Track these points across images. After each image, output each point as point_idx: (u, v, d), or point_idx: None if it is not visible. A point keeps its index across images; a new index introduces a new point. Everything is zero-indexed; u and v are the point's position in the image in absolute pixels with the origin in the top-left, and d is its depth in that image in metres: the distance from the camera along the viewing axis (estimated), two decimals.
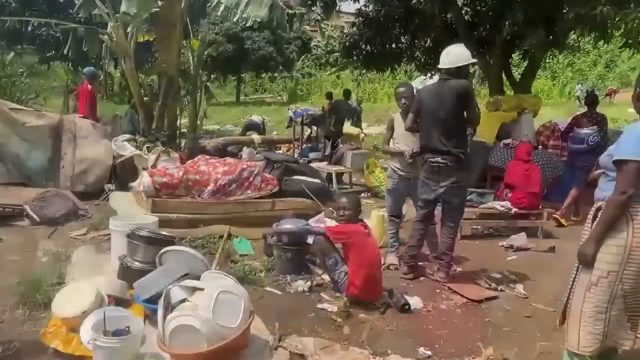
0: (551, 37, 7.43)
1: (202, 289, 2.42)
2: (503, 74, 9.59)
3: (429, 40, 9.68)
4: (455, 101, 3.67)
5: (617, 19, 6.36)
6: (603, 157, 2.53)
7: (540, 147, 7.75)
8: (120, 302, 2.92)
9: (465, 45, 4.12)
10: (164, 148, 5.50)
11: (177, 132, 7.35)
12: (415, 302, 3.47)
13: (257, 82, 39.67)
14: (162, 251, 2.98)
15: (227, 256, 4.21)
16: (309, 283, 3.67)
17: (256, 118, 13.09)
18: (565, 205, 6.18)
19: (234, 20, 6.74)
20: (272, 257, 4.12)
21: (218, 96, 35.78)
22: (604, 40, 7.97)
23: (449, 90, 3.74)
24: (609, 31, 6.92)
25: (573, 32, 7.06)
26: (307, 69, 38.56)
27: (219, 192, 4.99)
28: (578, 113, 7.02)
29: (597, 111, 6.60)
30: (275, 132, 16.20)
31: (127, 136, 6.30)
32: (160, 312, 2.40)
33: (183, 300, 2.49)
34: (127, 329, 2.36)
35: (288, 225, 4.02)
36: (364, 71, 15.45)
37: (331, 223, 4.54)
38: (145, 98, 7.33)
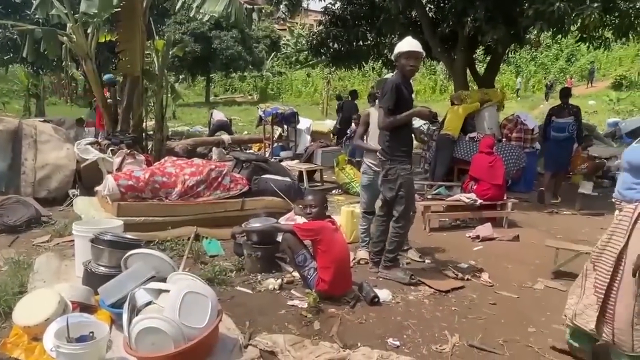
0: (512, 32, 7.64)
1: (168, 291, 2.40)
2: (467, 70, 9.81)
3: (395, 38, 9.79)
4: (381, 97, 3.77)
5: (573, 15, 6.61)
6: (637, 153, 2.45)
7: (504, 139, 7.99)
8: (85, 308, 2.87)
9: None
10: (128, 150, 5.39)
11: (144, 134, 7.21)
12: (384, 294, 3.53)
13: (227, 81, 39.32)
14: (127, 254, 2.94)
15: (197, 258, 4.18)
16: (279, 281, 3.68)
17: (220, 115, 12.91)
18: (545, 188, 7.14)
19: (191, 15, 6.65)
20: (243, 257, 4.11)
21: (187, 97, 35.38)
22: (562, 35, 8.25)
23: None
24: (565, 27, 7.18)
25: (532, 27, 7.27)
26: (277, 68, 38.46)
27: (186, 193, 4.93)
28: (554, 105, 7.55)
29: (571, 103, 7.25)
30: (245, 132, 16.10)
31: (90, 139, 6.15)
32: (125, 316, 2.37)
33: (149, 303, 2.47)
34: (91, 334, 2.32)
35: (257, 224, 4.01)
36: (333, 69, 15.60)
37: (301, 220, 4.57)
38: (108, 100, 7.17)
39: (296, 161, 8.94)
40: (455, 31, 8.53)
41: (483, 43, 8.49)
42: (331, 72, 25.01)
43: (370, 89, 12.11)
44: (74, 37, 6.62)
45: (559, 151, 7.07)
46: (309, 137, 11.63)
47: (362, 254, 4.47)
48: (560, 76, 29.98)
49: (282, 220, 4.83)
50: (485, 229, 5.38)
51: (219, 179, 5.20)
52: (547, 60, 32.05)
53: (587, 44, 8.85)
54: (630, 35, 8.38)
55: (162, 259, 2.93)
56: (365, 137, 4.48)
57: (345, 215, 4.97)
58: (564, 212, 6.66)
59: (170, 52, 7.96)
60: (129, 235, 3.43)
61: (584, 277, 2.66)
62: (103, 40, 7.32)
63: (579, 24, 7.39)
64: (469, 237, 5.36)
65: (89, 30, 6.79)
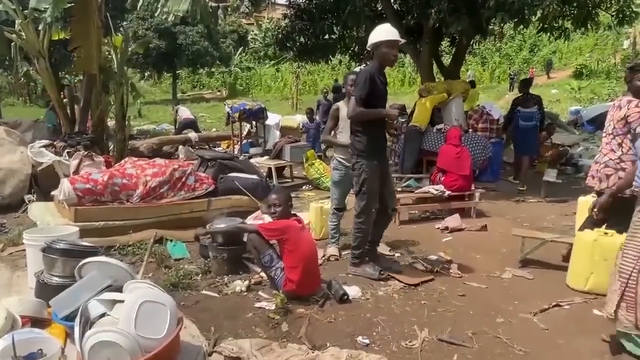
0: (475, 23, 7.69)
1: (123, 301, 2.27)
2: (433, 62, 9.86)
3: (361, 30, 9.74)
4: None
5: (533, 6, 6.71)
6: None
7: (470, 130, 8.06)
8: (37, 322, 2.70)
9: None
10: (86, 152, 5.13)
11: (104, 134, 6.93)
12: (353, 291, 3.48)
13: (195, 78, 38.55)
14: (81, 263, 2.77)
15: (161, 262, 4.03)
16: (246, 282, 3.58)
17: (187, 112, 12.56)
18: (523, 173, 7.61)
19: (156, 15, 6.45)
20: (209, 259, 3.98)
21: (154, 94, 34.52)
22: (523, 26, 8.38)
23: None
24: (526, 17, 7.29)
25: (494, 18, 7.36)
26: (246, 63, 37.95)
27: (149, 195, 4.75)
28: (518, 96, 7.91)
29: (531, 93, 7.80)
30: (214, 129, 15.79)
31: (45, 142, 5.84)
32: (77, 330, 2.23)
33: (103, 315, 2.33)
34: (39, 351, 2.17)
35: (221, 225, 3.88)
36: (302, 63, 15.40)
37: (269, 219, 4.48)
38: (65, 100, 6.84)
39: (266, 157, 8.81)
40: (420, 23, 8.54)
41: (447, 35, 8.54)
42: (300, 66, 24.78)
43: (334, 82, 11.98)
44: (24, 34, 6.27)
45: (528, 138, 7.50)
46: (278, 133, 11.49)
47: (332, 250, 4.41)
48: (525, 66, 30.67)
49: (250, 219, 4.73)
50: (453, 220, 5.41)
51: (183, 179, 5.04)
52: (512, 51, 32.72)
53: (547, 34, 9.02)
54: (588, 25, 8.60)
55: (119, 266, 2.78)
56: (334, 132, 4.38)
57: (315, 211, 4.89)
58: (530, 200, 6.79)
59: (130, 49, 7.66)
60: (84, 242, 3.25)
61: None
62: (57, 37, 6.97)
63: (539, 15, 7.54)
64: (438, 228, 5.38)
65: (40, 27, 6.45)
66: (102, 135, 6.89)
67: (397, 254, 4.48)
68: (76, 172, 5.07)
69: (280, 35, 10.15)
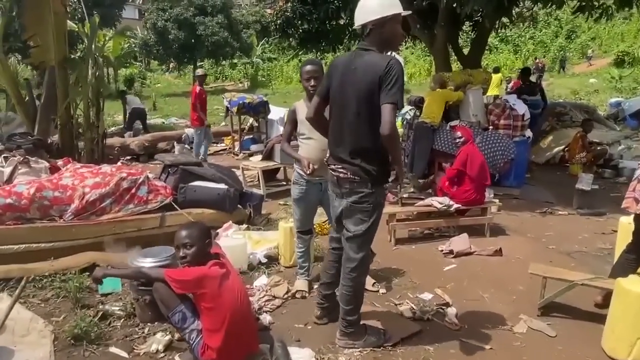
0: (496, 3, 6.56)
1: None
2: (451, 49, 8.74)
3: None
4: (368, 87, 2.44)
5: None
6: None
7: (491, 127, 6.96)
8: None
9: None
10: (22, 158, 4.41)
11: (73, 133, 6.22)
12: (304, 356, 2.59)
13: (218, 69, 38.09)
14: None
15: (77, 300, 3.23)
16: (168, 337, 2.74)
17: (135, 101, 11.80)
18: None
19: None
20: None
21: (177, 86, 34.23)
22: (555, 6, 7.18)
23: (363, 69, 2.48)
24: None
25: None
26: (269, 54, 37.22)
27: (85, 210, 3.97)
28: (522, 85, 8.54)
29: (532, 81, 8.74)
30: (223, 123, 15.07)
31: None
32: None
33: None
34: None
35: (147, 258, 3.04)
36: (323, 55, 14.19)
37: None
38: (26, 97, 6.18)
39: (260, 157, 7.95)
40: (435, 4, 7.47)
41: (463, 15, 7.42)
42: (317, 57, 23.77)
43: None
44: None
45: (532, 127, 7.45)
46: (282, 128, 10.62)
47: (300, 284, 3.54)
48: (560, 54, 28.63)
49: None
50: (460, 242, 4.42)
51: (132, 190, 4.23)
52: (546, 38, 30.68)
53: (585, 14, 7.74)
54: (634, 3, 7.32)
55: None
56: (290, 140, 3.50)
57: (284, 233, 4.00)
58: (559, 212, 5.69)
59: (108, 38, 6.92)
60: None
61: None
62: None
63: None
64: (441, 251, 4.41)
65: None
66: (70, 135, 6.19)
67: (381, 290, 3.55)
68: (9, 181, 4.35)
69: (279, 21, 9.21)
